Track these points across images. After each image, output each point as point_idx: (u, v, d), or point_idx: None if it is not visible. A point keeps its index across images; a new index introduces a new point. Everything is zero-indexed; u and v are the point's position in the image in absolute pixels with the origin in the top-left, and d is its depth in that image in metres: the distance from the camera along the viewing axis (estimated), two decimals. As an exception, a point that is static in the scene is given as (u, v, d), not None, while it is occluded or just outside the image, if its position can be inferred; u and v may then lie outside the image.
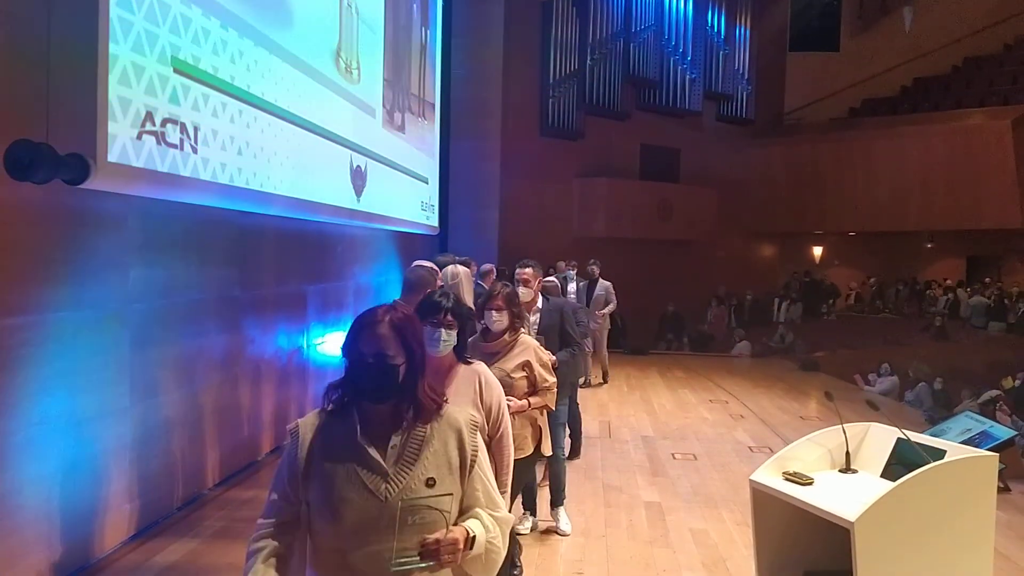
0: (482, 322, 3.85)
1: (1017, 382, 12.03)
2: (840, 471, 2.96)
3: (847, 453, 2.98)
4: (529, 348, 3.84)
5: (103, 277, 4.39)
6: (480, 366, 3.02)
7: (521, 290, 5.00)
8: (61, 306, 4.01)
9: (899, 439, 2.88)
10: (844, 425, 3.03)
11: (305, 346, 7.51)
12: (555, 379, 3.91)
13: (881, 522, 2.46)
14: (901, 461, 2.77)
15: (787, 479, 2.86)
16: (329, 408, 1.91)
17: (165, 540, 4.79)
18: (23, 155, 3.16)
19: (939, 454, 2.64)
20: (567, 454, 6.16)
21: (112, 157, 3.57)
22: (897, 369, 12.96)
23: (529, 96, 15.30)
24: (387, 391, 1.85)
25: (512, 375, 3.73)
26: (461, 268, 5.44)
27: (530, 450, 3.87)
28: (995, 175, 16.69)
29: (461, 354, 2.96)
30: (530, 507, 5.31)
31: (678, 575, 4.65)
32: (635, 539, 5.21)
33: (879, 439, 2.99)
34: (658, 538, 5.24)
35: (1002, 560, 4.73)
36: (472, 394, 2.91)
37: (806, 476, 2.84)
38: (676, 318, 16.81)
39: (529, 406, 3.78)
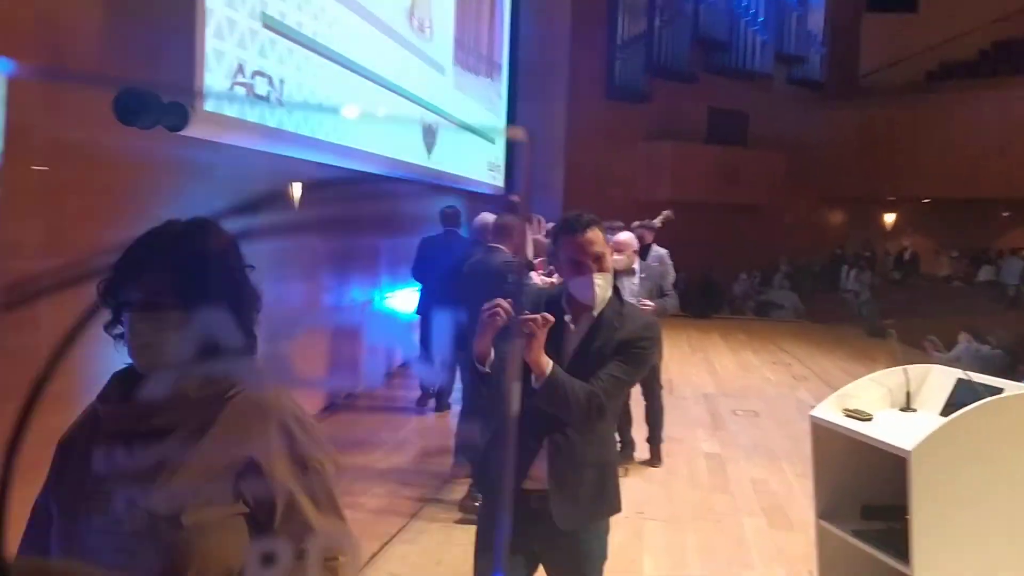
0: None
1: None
2: (900, 410, 3.06)
3: (907, 393, 3.07)
4: (262, 425, 1.30)
5: (196, 222, 4.66)
6: None
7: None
8: (159, 248, 4.29)
9: (959, 379, 2.96)
10: (905, 367, 3.12)
11: (376, 299, 7.79)
12: (349, 538, 1.37)
13: (937, 453, 2.56)
14: (961, 401, 2.85)
15: (847, 415, 2.97)
16: None
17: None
18: (132, 101, 3.40)
19: (997, 391, 2.72)
20: (648, 456, 5.70)
21: (208, 106, 3.82)
22: (973, 337, 12.70)
23: (596, 58, 15.27)
24: None
25: (187, 517, 1.22)
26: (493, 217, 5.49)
27: None
28: (1077, 141, 16.09)
29: None
30: None
31: (737, 520, 4.79)
32: (696, 486, 5.36)
33: (940, 380, 3.07)
34: (718, 486, 5.38)
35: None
36: None
37: (866, 412, 2.95)
38: (712, 285, 16.47)
39: None
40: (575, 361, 2.27)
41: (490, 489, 2.06)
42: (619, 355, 2.26)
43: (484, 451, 2.07)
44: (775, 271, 17.79)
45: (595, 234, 2.31)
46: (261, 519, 1.31)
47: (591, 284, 2.27)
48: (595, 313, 2.32)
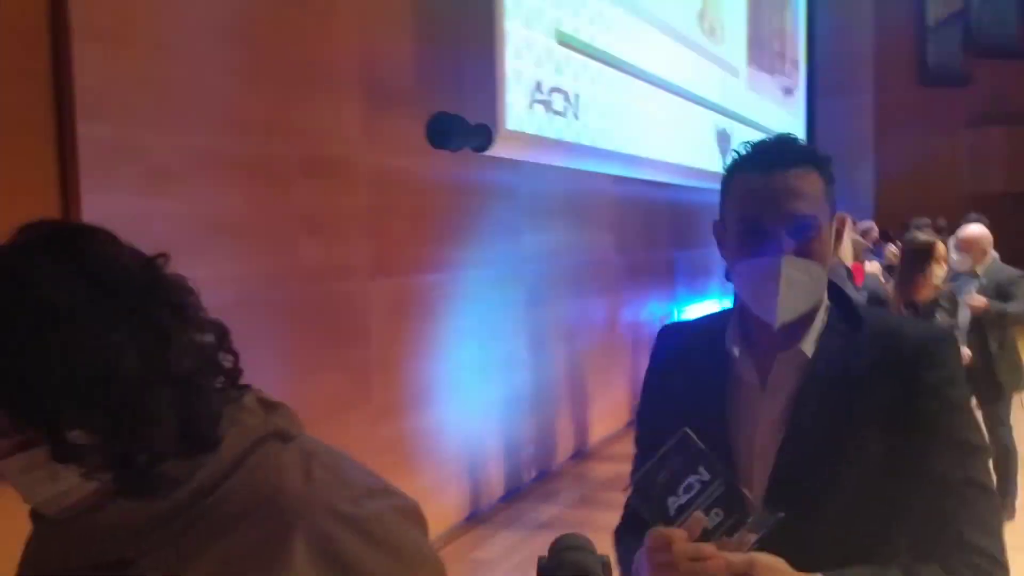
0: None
1: None
2: None
3: None
4: (276, 542, 0.72)
5: (501, 240, 4.82)
6: None
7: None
8: (469, 264, 4.48)
9: None
10: None
11: (674, 313, 7.61)
12: None
13: None
14: None
15: None
16: None
17: (554, 487, 5.14)
18: (442, 125, 3.58)
19: None
20: None
21: (510, 125, 3.92)
22: None
23: (903, 42, 13.94)
24: None
25: None
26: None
27: None
28: None
29: None
30: None
31: None
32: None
33: None
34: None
35: None
36: None
37: None
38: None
39: None
40: (787, 465, 1.12)
41: None
42: (913, 429, 1.08)
43: None
44: None
45: (802, 179, 1.10)
46: None
47: (775, 276, 1.08)
48: (806, 349, 1.14)
